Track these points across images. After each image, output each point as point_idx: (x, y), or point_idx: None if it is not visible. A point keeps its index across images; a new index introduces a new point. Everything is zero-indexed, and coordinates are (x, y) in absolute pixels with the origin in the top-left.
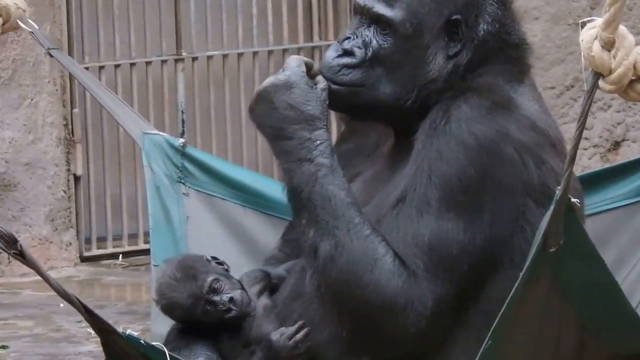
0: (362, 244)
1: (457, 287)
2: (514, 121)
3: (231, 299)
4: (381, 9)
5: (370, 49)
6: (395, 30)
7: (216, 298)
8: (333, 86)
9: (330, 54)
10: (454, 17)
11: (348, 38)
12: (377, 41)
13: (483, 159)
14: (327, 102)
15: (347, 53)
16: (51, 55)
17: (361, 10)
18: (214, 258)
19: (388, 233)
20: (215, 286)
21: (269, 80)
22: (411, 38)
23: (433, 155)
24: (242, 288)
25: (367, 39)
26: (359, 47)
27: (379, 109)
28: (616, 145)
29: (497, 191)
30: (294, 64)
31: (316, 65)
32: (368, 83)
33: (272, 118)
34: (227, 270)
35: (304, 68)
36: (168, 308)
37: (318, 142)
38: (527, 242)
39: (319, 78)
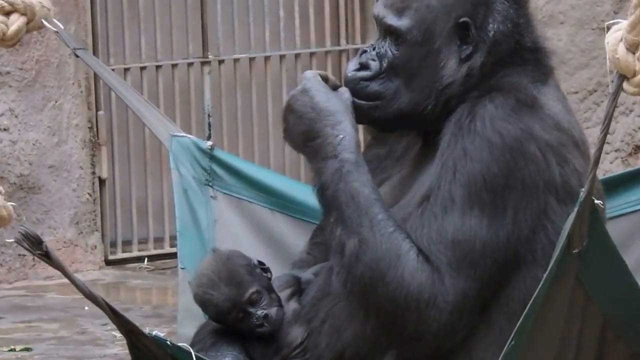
0: (385, 241)
1: (481, 284)
2: (538, 120)
3: (266, 316)
4: (391, 19)
5: (385, 59)
6: (405, 39)
7: (252, 310)
8: (357, 101)
9: (350, 68)
10: (463, 19)
11: (365, 51)
12: (391, 52)
13: (507, 157)
14: (352, 107)
15: (363, 67)
16: (77, 56)
17: (377, 21)
18: (260, 263)
19: (413, 230)
20: (255, 299)
21: (289, 95)
22: (422, 45)
23: (458, 153)
24: (280, 305)
25: (381, 51)
26: (373, 60)
27: (401, 119)
28: (637, 149)
29: (520, 189)
30: (309, 75)
31: (331, 76)
32: (387, 95)
33: (298, 126)
34: (270, 279)
35: (319, 78)
36: (202, 303)
37: (341, 136)
38: (549, 240)
39: (342, 89)
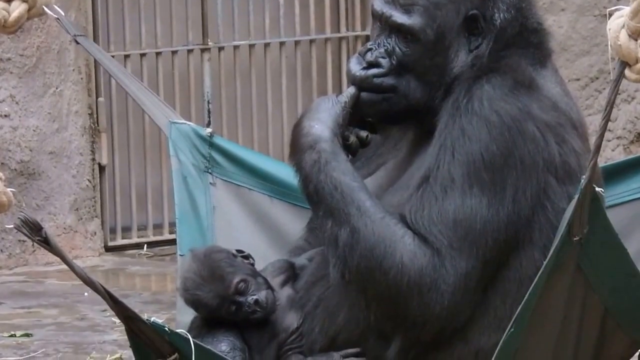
0: (377, 228)
1: (482, 263)
2: (536, 100)
3: (256, 301)
4: (399, 18)
5: (395, 57)
6: (417, 38)
7: (242, 299)
8: (367, 94)
9: (355, 67)
10: (472, 12)
11: (370, 50)
12: (400, 49)
13: (505, 136)
14: (347, 102)
15: (373, 65)
16: (77, 43)
17: (380, 18)
18: (239, 252)
19: (413, 212)
20: (242, 287)
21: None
22: (434, 43)
23: (456, 133)
24: (268, 286)
25: (389, 48)
26: (382, 57)
27: (412, 112)
28: (639, 137)
29: (519, 168)
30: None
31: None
32: (399, 89)
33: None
34: (252, 264)
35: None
36: (192, 304)
37: (317, 126)
38: (547, 221)
39: (348, 89)
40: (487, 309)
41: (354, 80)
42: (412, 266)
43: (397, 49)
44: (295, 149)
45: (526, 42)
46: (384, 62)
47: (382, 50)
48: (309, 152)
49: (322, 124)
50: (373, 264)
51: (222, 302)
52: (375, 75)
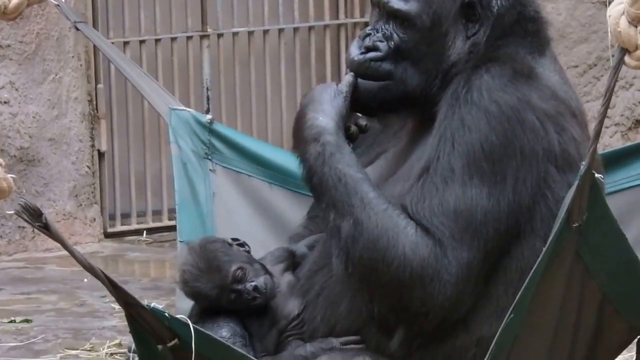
0: (380, 219)
1: (484, 253)
2: (535, 89)
3: (255, 288)
4: (396, 3)
5: (392, 42)
6: (413, 24)
7: (240, 287)
8: (364, 82)
9: (354, 52)
10: None
11: (368, 35)
12: (397, 35)
13: (505, 126)
14: (347, 91)
15: (370, 49)
16: (77, 29)
17: (377, 3)
18: (234, 240)
19: (414, 203)
20: (239, 275)
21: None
22: (430, 29)
23: (455, 124)
24: (266, 272)
25: (387, 33)
26: (380, 41)
27: (408, 100)
28: (637, 123)
29: (519, 157)
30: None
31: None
32: (396, 76)
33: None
34: (248, 251)
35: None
36: (192, 296)
37: (321, 118)
38: (548, 210)
39: (346, 76)
40: (490, 299)
41: (352, 65)
42: (415, 257)
43: (394, 34)
44: (299, 141)
45: (524, 31)
46: (382, 45)
47: (380, 35)
48: (314, 145)
49: (326, 116)
50: (376, 256)
51: (222, 292)
52: (373, 59)
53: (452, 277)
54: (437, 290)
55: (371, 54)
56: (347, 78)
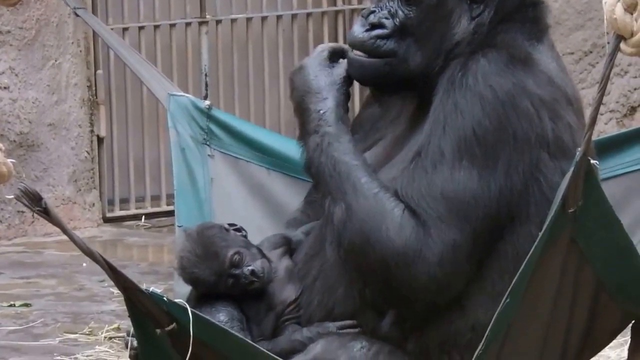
0: (369, 203)
1: (473, 236)
2: (531, 75)
3: (252, 272)
4: None
5: (397, 19)
6: (420, 1)
7: (238, 271)
8: (368, 59)
9: (358, 29)
10: None
11: (373, 12)
12: (402, 12)
13: (499, 111)
14: (345, 76)
15: (376, 26)
16: (77, 15)
17: None
18: (231, 225)
19: (404, 186)
20: (236, 260)
21: (290, 72)
22: (435, 6)
23: (449, 108)
24: (263, 256)
25: (392, 10)
26: (386, 18)
27: (411, 79)
28: (632, 110)
29: (511, 143)
30: (318, 49)
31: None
32: (399, 53)
33: (294, 97)
34: (245, 236)
35: (326, 53)
36: (191, 282)
37: (322, 111)
38: (542, 195)
39: (341, 61)
40: (485, 284)
41: (354, 43)
42: (398, 238)
43: (399, 11)
44: (302, 132)
45: (524, 17)
46: (388, 22)
47: (385, 12)
48: (314, 136)
49: (326, 107)
50: (364, 239)
51: (220, 278)
52: (379, 37)
53: (435, 256)
54: (420, 270)
55: (377, 31)
56: (343, 64)
